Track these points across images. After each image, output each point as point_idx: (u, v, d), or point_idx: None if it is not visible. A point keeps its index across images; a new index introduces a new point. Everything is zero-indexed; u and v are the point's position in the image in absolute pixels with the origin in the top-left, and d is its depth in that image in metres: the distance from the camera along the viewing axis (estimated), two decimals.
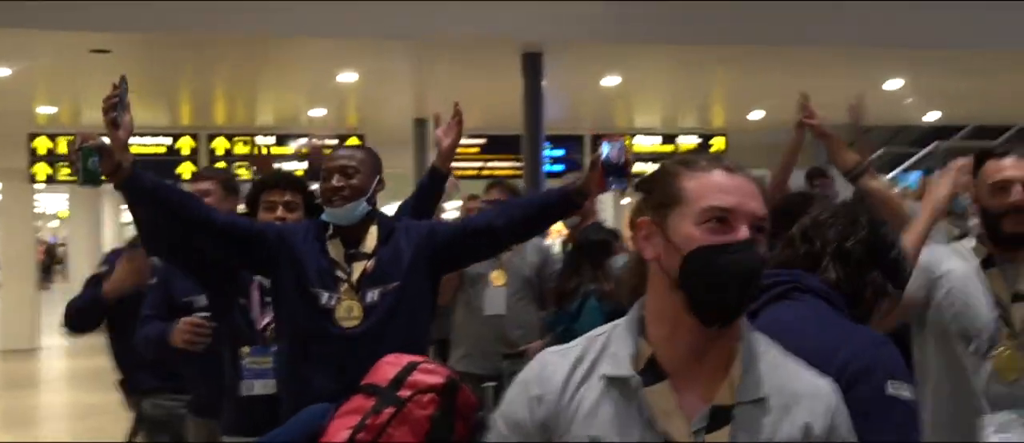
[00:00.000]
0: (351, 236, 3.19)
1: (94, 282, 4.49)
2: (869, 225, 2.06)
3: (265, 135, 12.86)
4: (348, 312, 3.07)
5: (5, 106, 11.39)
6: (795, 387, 1.63)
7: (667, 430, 1.57)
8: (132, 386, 4.65)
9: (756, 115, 14.00)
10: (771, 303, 1.99)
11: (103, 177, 3.05)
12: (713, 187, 1.61)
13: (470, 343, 5.14)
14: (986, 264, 2.75)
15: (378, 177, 3.28)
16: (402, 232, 3.24)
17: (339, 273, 3.13)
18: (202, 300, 3.76)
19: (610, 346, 1.65)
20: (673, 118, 14.39)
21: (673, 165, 1.69)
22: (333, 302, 3.09)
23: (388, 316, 3.07)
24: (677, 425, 1.58)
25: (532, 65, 9.11)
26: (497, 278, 5.09)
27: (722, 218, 1.59)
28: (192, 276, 3.62)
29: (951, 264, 2.79)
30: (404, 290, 3.12)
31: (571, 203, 3.26)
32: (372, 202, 3.24)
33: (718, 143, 13.98)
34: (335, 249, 3.17)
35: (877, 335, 1.91)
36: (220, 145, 12.55)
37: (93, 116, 13.09)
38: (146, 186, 3.10)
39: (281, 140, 12.83)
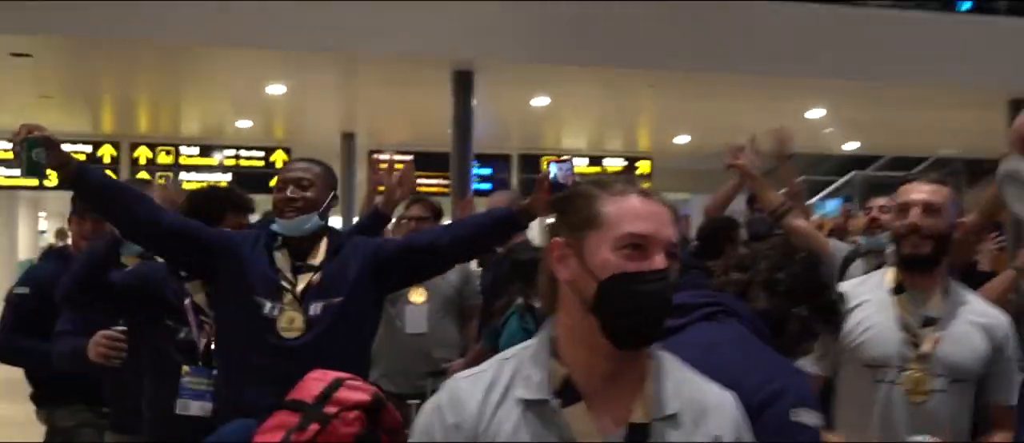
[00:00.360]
0: (300, 248, 3.14)
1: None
2: (805, 262, 2.07)
3: (189, 145, 12.71)
4: (290, 323, 3.02)
5: None
6: (703, 401, 1.65)
7: None
8: (45, 399, 4.52)
9: (681, 140, 14.20)
10: (697, 322, 2.01)
11: (48, 170, 2.98)
12: (631, 213, 1.60)
13: (390, 361, 5.07)
14: (897, 290, 2.80)
15: (332, 193, 3.24)
16: (350, 248, 3.20)
17: (284, 284, 3.07)
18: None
19: (522, 369, 1.63)
20: (600, 140, 14.53)
21: (590, 187, 1.66)
22: (276, 312, 3.03)
23: (330, 330, 3.03)
24: None
25: (462, 83, 9.13)
26: (417, 296, 5.04)
27: (638, 245, 1.58)
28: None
29: (862, 295, 2.82)
30: (347, 305, 3.07)
31: (517, 224, 3.24)
32: (324, 217, 3.20)
33: (643, 166, 14.14)
34: (283, 260, 3.12)
35: (790, 364, 1.93)
36: (143, 154, 12.37)
37: (14, 121, 12.82)
38: (94, 183, 3.04)
39: (205, 151, 12.68)
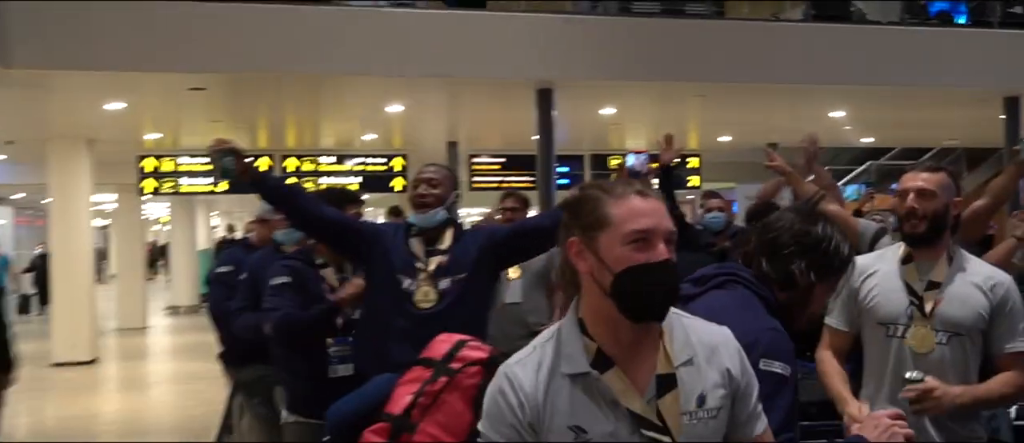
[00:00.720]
0: (431, 236, 3.19)
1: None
2: (794, 225, 2.02)
3: (327, 155, 12.89)
4: (425, 296, 3.08)
5: (119, 134, 11.45)
6: (711, 341, 1.65)
7: (628, 406, 1.56)
8: (231, 359, 4.64)
9: (725, 138, 13.96)
10: (711, 290, 2.00)
11: (234, 174, 3.09)
12: (634, 212, 1.57)
13: (492, 327, 5.11)
14: (906, 260, 2.73)
15: (455, 191, 3.30)
16: (471, 234, 3.27)
17: (419, 264, 3.13)
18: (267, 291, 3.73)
19: (561, 348, 1.60)
20: (657, 141, 14.36)
21: (595, 192, 1.63)
22: (413, 287, 3.10)
23: (457, 301, 3.09)
24: (634, 399, 1.56)
25: (545, 99, 9.11)
26: (514, 272, 5.05)
27: (643, 238, 1.56)
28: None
29: (876, 266, 2.77)
30: (470, 280, 3.13)
31: None
32: (450, 210, 3.25)
33: (693, 161, 13.94)
34: (417, 245, 3.18)
35: (770, 322, 1.89)
36: (291, 164, 12.58)
37: (191, 141, 13.18)
38: (271, 184, 3.18)
39: (340, 159, 12.85)
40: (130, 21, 7.47)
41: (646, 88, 9.66)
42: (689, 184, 13.91)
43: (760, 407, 1.69)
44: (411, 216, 3.25)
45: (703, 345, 1.63)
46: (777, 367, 1.81)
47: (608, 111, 10.93)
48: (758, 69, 8.99)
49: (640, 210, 1.57)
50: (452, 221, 3.28)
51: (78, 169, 11.97)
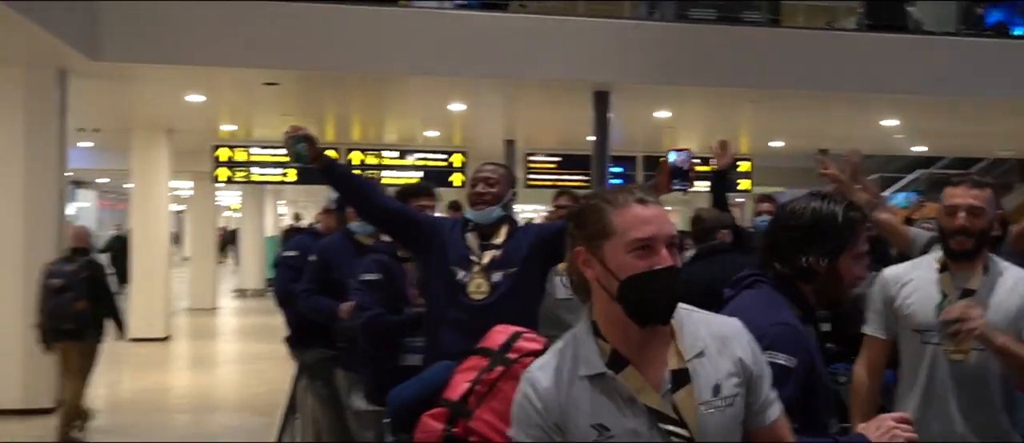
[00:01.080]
0: (486, 231, 3.23)
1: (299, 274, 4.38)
2: (784, 217, 2.03)
3: (390, 150, 13.02)
4: (477, 288, 3.12)
5: (196, 125, 11.73)
6: (722, 332, 1.65)
7: (645, 402, 1.56)
8: (297, 341, 4.70)
9: (777, 144, 13.77)
10: (743, 291, 2.03)
11: (308, 159, 3.16)
12: (636, 220, 1.57)
13: (544, 320, 5.11)
14: (943, 269, 2.67)
15: (512, 189, 3.34)
16: (523, 230, 3.29)
17: (473, 257, 3.17)
18: (354, 282, 3.81)
19: (578, 352, 1.61)
20: (708, 143, 14.21)
21: (598, 202, 1.62)
22: (467, 279, 3.13)
23: (508, 293, 3.11)
24: (651, 395, 1.57)
25: (601, 101, 9.09)
26: (563, 267, 5.07)
27: (646, 246, 1.56)
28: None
29: (912, 274, 2.72)
30: (521, 274, 3.15)
31: None
32: (506, 207, 3.28)
33: (744, 165, 13.77)
34: (473, 239, 3.21)
35: (781, 316, 1.90)
36: (355, 157, 12.72)
37: (263, 133, 13.36)
38: (339, 172, 3.24)
39: (403, 154, 12.97)
40: (211, 18, 7.66)
41: (701, 93, 9.58)
42: (740, 188, 13.75)
43: (774, 395, 1.69)
44: (468, 212, 3.28)
45: (714, 337, 1.64)
46: (781, 359, 1.82)
47: (663, 114, 10.85)
48: (812, 76, 8.86)
49: (642, 218, 1.57)
50: (507, 217, 3.30)
51: (158, 157, 12.31)
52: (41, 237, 7.60)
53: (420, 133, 13.00)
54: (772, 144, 13.76)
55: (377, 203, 3.27)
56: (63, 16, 6.88)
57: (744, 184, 13.77)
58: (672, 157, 3.05)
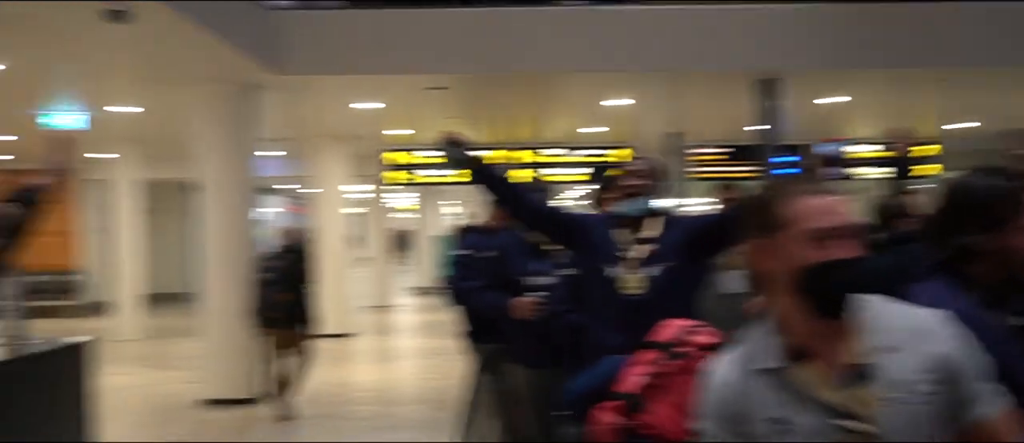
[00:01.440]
0: (639, 224, 3.22)
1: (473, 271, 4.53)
2: (952, 193, 1.94)
3: (555, 148, 13.14)
4: (631, 283, 3.12)
5: (371, 130, 12.32)
6: (917, 325, 1.58)
7: (823, 397, 1.54)
8: (474, 335, 4.86)
9: (966, 124, 12.89)
10: (924, 279, 1.94)
11: (461, 164, 3.31)
12: (813, 210, 1.54)
13: (710, 316, 5.04)
14: None
15: (663, 182, 3.33)
16: (678, 223, 3.27)
17: (625, 253, 3.17)
18: (532, 279, 3.91)
19: (758, 346, 1.61)
20: (891, 130, 13.44)
21: (772, 194, 1.61)
22: (619, 274, 3.14)
23: (663, 288, 3.09)
24: (829, 390, 1.54)
25: (769, 89, 8.85)
26: (732, 262, 4.96)
27: (823, 236, 1.53)
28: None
29: None
30: (675, 268, 3.13)
31: None
32: (657, 199, 3.28)
33: (933, 149, 12.96)
34: (625, 234, 3.21)
35: (958, 305, 1.77)
36: (521, 156, 12.91)
37: (431, 136, 13.85)
38: (492, 174, 3.34)
39: (568, 150, 13.05)
40: (383, 29, 8.09)
41: (880, 75, 9.13)
42: (927, 172, 12.95)
43: (988, 390, 1.61)
44: (620, 205, 3.30)
45: (909, 330, 1.57)
46: None
47: (837, 100, 10.42)
48: (1001, 52, 8.25)
49: (818, 207, 1.55)
50: (660, 210, 3.29)
51: (335, 162, 13.04)
52: (236, 241, 8.29)
53: (584, 128, 13.07)
54: (961, 125, 12.89)
55: (527, 203, 3.35)
56: (252, 37, 7.47)
57: (933, 168, 12.97)
58: (822, 149, 2.97)
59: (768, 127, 9.04)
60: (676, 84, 9.56)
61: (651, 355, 2.34)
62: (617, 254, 3.18)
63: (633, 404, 2.34)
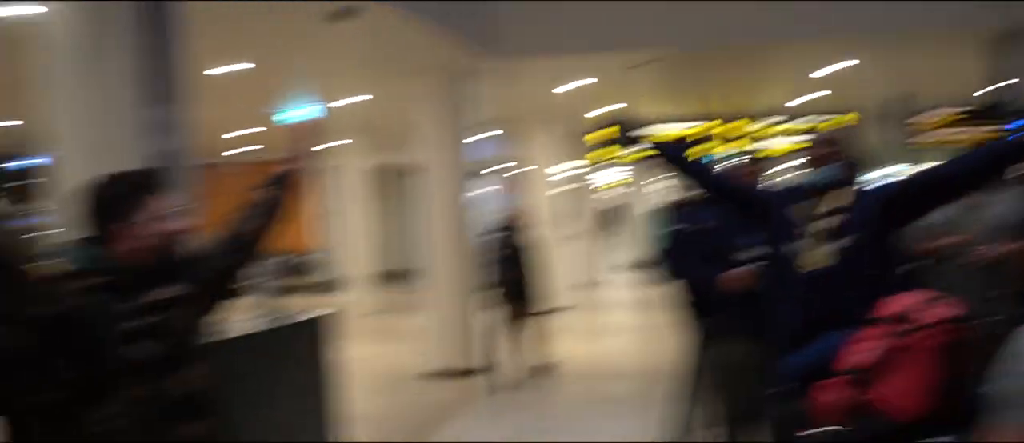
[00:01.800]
0: (828, 196, 3.10)
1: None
2: None
3: (768, 117, 12.70)
4: (816, 257, 3.02)
5: (580, 108, 12.44)
6: None
7: None
8: (689, 310, 4.87)
9: None
10: None
11: (634, 143, 3.36)
12: None
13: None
14: None
15: (852, 152, 3.17)
16: (870, 193, 3.10)
17: (812, 225, 3.07)
18: (745, 251, 3.89)
19: None
20: None
21: None
22: (804, 248, 3.05)
23: (851, 260, 2.96)
24: None
25: (1005, 45, 8.11)
26: None
27: None
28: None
29: None
30: (866, 240, 2.99)
31: (1018, 155, 2.82)
32: (844, 170, 3.12)
33: None
34: (810, 205, 3.11)
35: None
36: (732, 128, 12.59)
37: (644, 111, 13.75)
38: (668, 152, 3.36)
39: (783, 120, 12.57)
40: (594, 6, 8.17)
41: None
42: None
43: None
44: (804, 176, 3.19)
45: None
46: None
47: None
48: None
49: None
50: (848, 181, 3.14)
51: (546, 141, 13.36)
52: (454, 221, 8.76)
53: (799, 98, 12.56)
54: None
55: (706, 179, 3.34)
56: (467, 24, 7.83)
57: None
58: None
59: (1006, 87, 8.30)
60: (905, 43, 8.99)
61: (878, 330, 2.29)
62: (803, 226, 3.08)
63: (862, 379, 2.29)
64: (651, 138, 3.35)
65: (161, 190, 2.12)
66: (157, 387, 2.01)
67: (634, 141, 3.35)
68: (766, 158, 4.62)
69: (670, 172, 3.45)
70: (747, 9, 7.98)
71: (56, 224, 4.32)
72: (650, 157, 3.36)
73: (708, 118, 12.61)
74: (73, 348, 1.90)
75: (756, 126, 12.58)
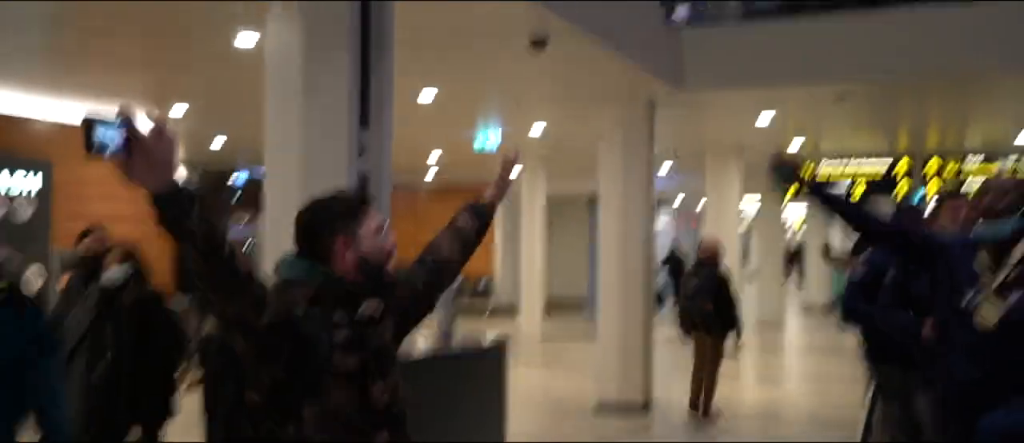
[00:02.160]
0: (1001, 248, 2.95)
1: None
2: None
3: (974, 154, 11.98)
4: (987, 311, 2.87)
5: (765, 142, 12.17)
6: None
7: None
8: (873, 355, 4.67)
9: None
10: None
11: (790, 182, 3.26)
12: None
13: None
14: None
15: None
16: None
17: (984, 278, 2.93)
18: (924, 299, 3.71)
19: None
20: None
21: None
22: (976, 301, 2.91)
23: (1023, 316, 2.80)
24: None
25: None
26: None
27: None
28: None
29: None
30: None
31: None
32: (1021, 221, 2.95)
33: None
34: (984, 258, 2.97)
35: None
36: (932, 166, 11.98)
37: (830, 146, 13.41)
38: (825, 193, 3.25)
39: (988, 158, 11.84)
40: (783, 39, 8.06)
41: None
42: None
43: None
44: (978, 228, 3.00)
45: None
46: None
47: None
48: None
49: None
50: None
51: (729, 176, 13.15)
52: (633, 252, 8.76)
53: (1012, 136, 11.75)
54: None
55: (868, 222, 3.19)
56: (656, 55, 7.89)
57: None
58: None
59: None
60: None
61: None
62: (977, 278, 2.93)
63: None
64: (807, 177, 3.28)
65: (375, 209, 2.29)
66: (358, 397, 2.11)
67: (790, 180, 3.29)
68: (962, 198, 4.35)
69: (825, 212, 3.36)
70: (954, 40, 7.59)
71: (275, 236, 4.72)
72: (808, 197, 3.28)
73: (897, 156, 12.05)
74: (290, 355, 2.07)
75: (965, 165, 11.90)
